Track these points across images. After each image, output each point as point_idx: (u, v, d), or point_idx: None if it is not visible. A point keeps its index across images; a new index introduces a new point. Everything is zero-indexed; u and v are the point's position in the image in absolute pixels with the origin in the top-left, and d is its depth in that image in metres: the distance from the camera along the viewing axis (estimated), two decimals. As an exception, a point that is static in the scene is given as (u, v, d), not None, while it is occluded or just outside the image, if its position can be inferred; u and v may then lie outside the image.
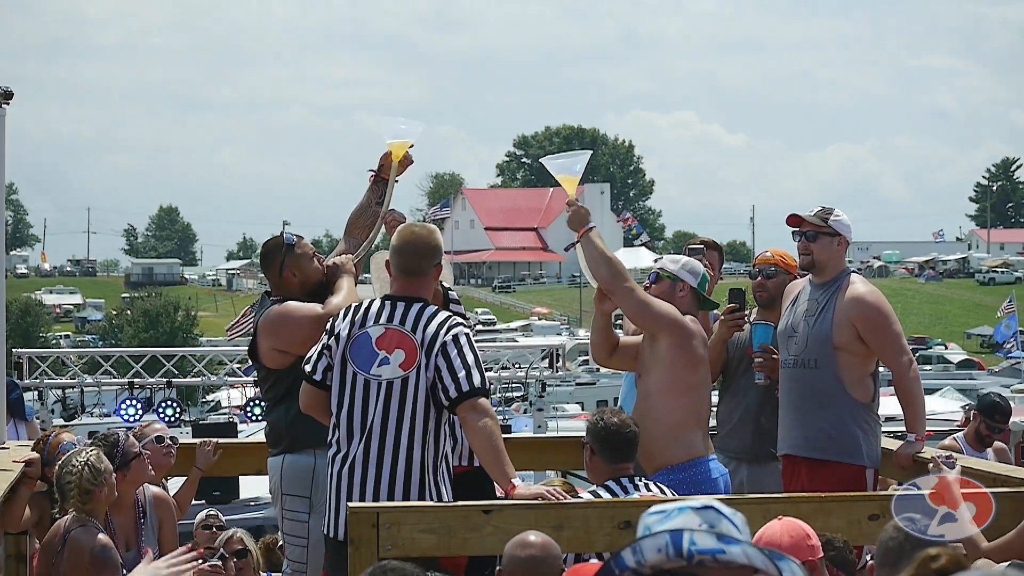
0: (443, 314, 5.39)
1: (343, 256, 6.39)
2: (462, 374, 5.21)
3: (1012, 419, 17.93)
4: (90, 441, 6.37)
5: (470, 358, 5.26)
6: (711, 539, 2.51)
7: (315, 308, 6.01)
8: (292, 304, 6.10)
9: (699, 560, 2.49)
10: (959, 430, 11.98)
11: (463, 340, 5.30)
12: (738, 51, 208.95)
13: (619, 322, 6.85)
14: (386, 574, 3.65)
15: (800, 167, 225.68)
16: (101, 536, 5.74)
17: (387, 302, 5.41)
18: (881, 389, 6.61)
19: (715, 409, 7.45)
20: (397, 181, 6.52)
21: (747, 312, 7.03)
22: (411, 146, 6.50)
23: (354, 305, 5.51)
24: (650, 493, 5.52)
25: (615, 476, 5.52)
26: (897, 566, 3.86)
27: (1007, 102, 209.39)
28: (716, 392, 7.49)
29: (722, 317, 6.93)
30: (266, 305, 6.24)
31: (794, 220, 6.56)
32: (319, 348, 5.46)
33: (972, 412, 9.18)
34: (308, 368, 5.45)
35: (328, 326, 5.49)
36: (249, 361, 7.31)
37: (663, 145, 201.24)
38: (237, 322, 20.96)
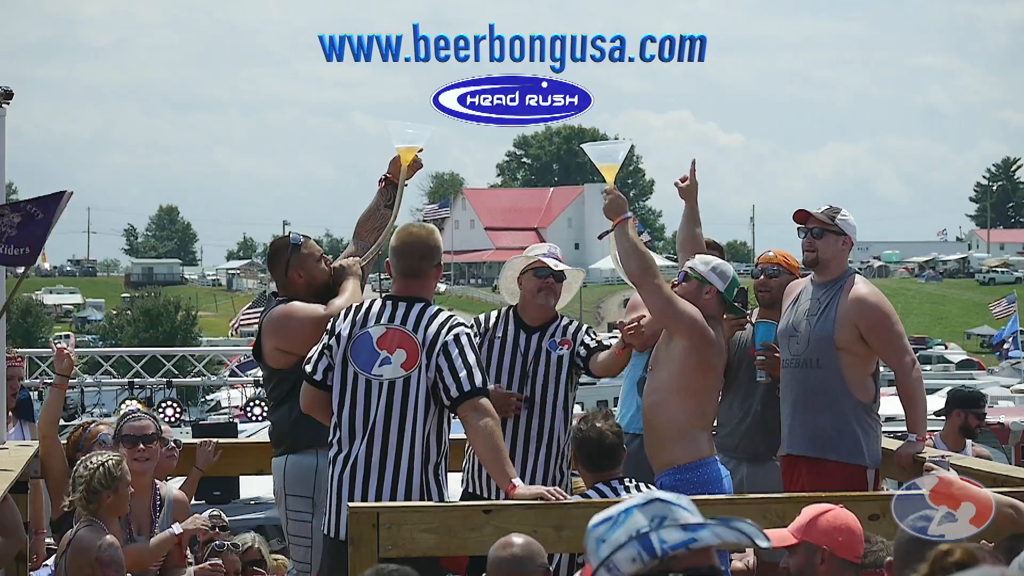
0: (444, 314, 5.40)
1: (350, 258, 6.40)
2: (463, 374, 5.22)
3: (1012, 419, 17.97)
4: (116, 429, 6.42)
5: (471, 358, 5.27)
6: (679, 532, 2.52)
7: (317, 309, 6.02)
8: (295, 304, 6.10)
9: (672, 555, 2.48)
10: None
11: (464, 340, 5.30)
12: (733, 51, 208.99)
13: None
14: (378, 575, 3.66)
15: (796, 167, 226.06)
16: (107, 536, 5.75)
17: (388, 302, 5.42)
18: (882, 389, 6.61)
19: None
20: (407, 185, 6.56)
21: (749, 311, 7.02)
22: (420, 150, 6.53)
23: (355, 305, 5.52)
24: (640, 495, 5.52)
25: (602, 480, 5.57)
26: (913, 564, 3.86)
27: (1003, 101, 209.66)
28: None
29: (723, 316, 6.93)
30: (272, 305, 6.25)
31: (801, 215, 6.57)
32: (320, 348, 5.46)
33: (951, 412, 8.99)
34: (308, 368, 5.46)
35: (329, 326, 5.50)
36: (248, 361, 7.30)
37: (658, 145, 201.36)
38: (242, 317, 20.98)
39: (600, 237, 6.41)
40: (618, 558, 2.52)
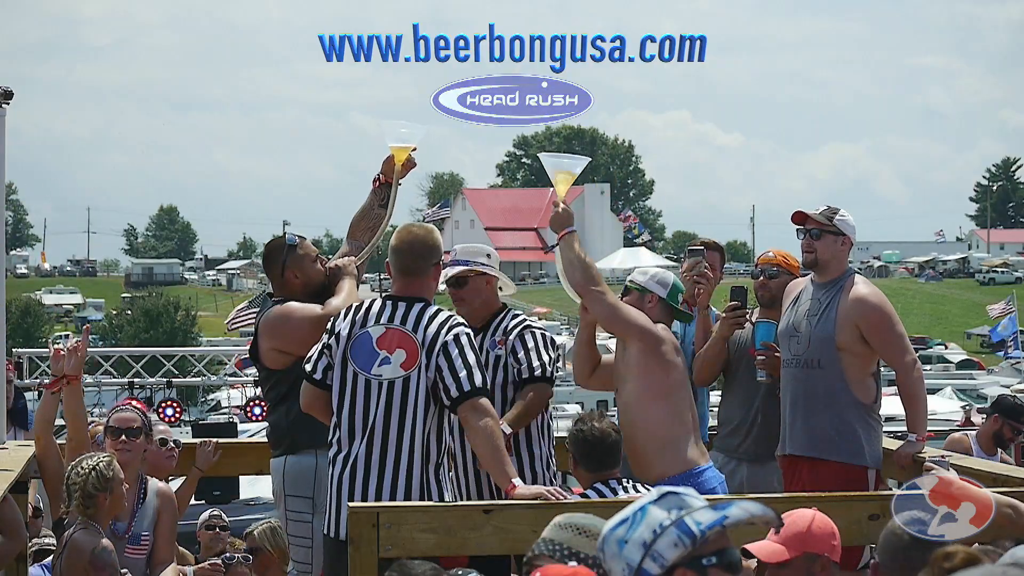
0: (444, 314, 5.41)
1: (345, 258, 6.40)
2: (463, 374, 5.23)
3: (1012, 419, 17.91)
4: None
5: (471, 358, 5.28)
6: (710, 512, 2.59)
7: (315, 309, 6.02)
8: (292, 305, 6.10)
9: (707, 537, 2.54)
10: (960, 430, 11.97)
11: (464, 340, 5.31)
12: (733, 51, 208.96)
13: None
14: (392, 572, 3.67)
15: (796, 167, 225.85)
16: (103, 540, 5.76)
17: (388, 302, 5.43)
18: (884, 389, 6.60)
19: (715, 409, 7.44)
20: (400, 184, 6.54)
21: (749, 311, 7.02)
22: (414, 149, 6.52)
23: (354, 305, 5.52)
24: (639, 495, 5.53)
25: (600, 480, 5.58)
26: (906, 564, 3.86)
27: (1003, 101, 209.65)
28: (717, 391, 7.48)
29: (723, 315, 6.94)
30: (267, 305, 6.25)
31: (799, 217, 6.57)
32: (319, 347, 5.47)
33: (992, 416, 9.07)
34: (308, 367, 5.47)
35: (328, 326, 5.50)
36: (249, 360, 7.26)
37: (657, 145, 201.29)
38: (237, 316, 20.96)
39: (549, 250, 6.44)
40: (660, 546, 2.58)
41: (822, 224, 6.50)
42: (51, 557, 6.26)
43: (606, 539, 2.66)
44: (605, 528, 2.70)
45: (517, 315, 6.50)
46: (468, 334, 5.37)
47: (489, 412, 5.24)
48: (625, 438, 6.07)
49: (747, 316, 6.98)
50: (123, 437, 6.34)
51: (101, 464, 5.85)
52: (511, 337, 6.33)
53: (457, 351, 5.27)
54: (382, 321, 5.38)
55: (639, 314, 6.04)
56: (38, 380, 15.88)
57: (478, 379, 5.25)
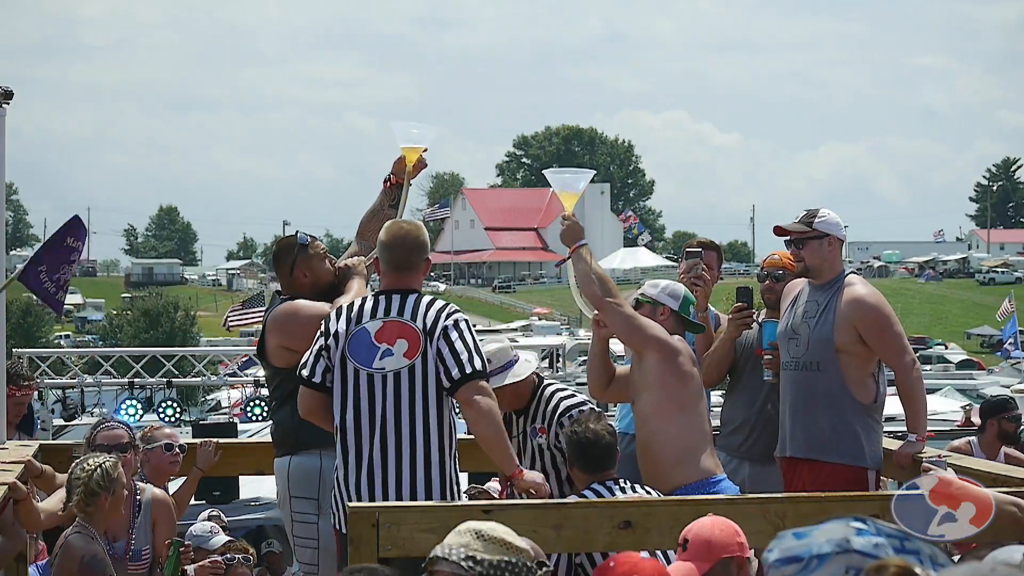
0: (440, 301, 5.44)
1: (355, 258, 6.40)
2: (464, 356, 5.23)
3: (1012, 418, 17.99)
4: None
5: (470, 342, 5.29)
6: None
7: (323, 307, 6.00)
8: (300, 302, 6.10)
9: None
10: (961, 429, 12.00)
11: (463, 325, 5.34)
12: (732, 50, 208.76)
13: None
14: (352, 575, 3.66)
15: (795, 166, 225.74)
16: (96, 547, 5.75)
17: (381, 297, 5.43)
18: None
19: (716, 409, 7.44)
20: (411, 185, 6.56)
21: (755, 312, 7.02)
22: (424, 150, 6.54)
23: (346, 305, 5.51)
24: (636, 495, 5.56)
25: (598, 481, 5.58)
26: None
27: (1001, 101, 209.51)
28: (718, 392, 7.49)
29: (730, 316, 6.94)
30: (276, 303, 6.25)
31: (778, 231, 6.57)
32: (315, 350, 5.43)
33: (987, 423, 9.23)
34: (305, 372, 5.42)
35: (323, 327, 5.47)
36: (244, 360, 7.23)
37: (655, 145, 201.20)
38: (240, 317, 20.92)
39: (557, 266, 6.44)
40: None
41: (801, 232, 6.47)
42: (48, 558, 6.26)
43: (772, 569, 2.59)
44: (770, 556, 2.63)
45: (553, 391, 6.24)
46: (466, 320, 5.40)
47: (489, 394, 5.24)
48: (642, 449, 6.06)
49: (753, 316, 6.98)
50: (115, 454, 6.17)
51: (107, 464, 5.83)
52: (553, 422, 6.11)
53: (457, 334, 5.28)
54: (378, 316, 5.37)
55: (656, 326, 6.05)
56: (38, 380, 15.88)
57: (478, 362, 5.25)
